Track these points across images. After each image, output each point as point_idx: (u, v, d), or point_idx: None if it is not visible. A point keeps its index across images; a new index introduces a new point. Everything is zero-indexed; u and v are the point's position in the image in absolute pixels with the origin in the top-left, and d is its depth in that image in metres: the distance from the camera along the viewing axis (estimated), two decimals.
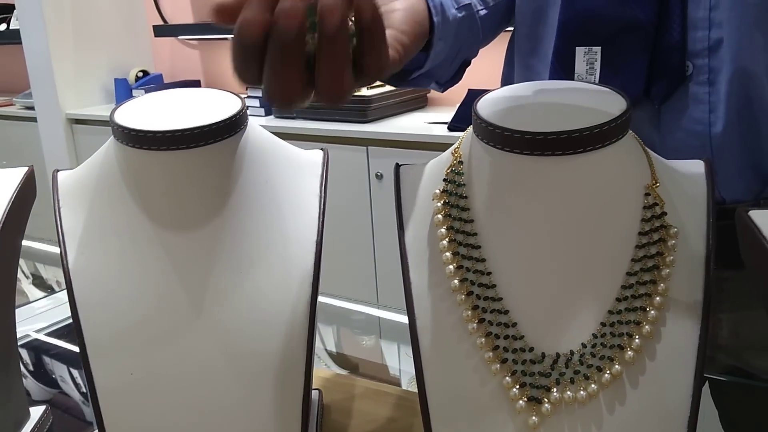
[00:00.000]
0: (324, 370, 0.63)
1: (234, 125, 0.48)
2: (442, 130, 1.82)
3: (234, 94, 0.51)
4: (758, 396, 0.60)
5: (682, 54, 0.51)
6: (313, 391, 0.58)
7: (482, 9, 0.62)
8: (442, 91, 0.65)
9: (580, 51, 0.49)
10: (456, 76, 0.65)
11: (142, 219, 0.47)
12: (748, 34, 0.48)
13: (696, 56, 0.51)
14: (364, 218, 1.91)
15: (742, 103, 0.50)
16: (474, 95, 1.75)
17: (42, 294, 1.26)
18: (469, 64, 0.65)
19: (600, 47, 0.50)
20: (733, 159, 0.52)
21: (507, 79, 0.68)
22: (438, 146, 1.77)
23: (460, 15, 0.57)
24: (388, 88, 2.05)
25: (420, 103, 2.16)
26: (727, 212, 0.43)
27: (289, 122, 2.02)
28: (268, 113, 2.13)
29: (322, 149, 0.56)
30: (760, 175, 0.52)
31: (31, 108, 2.57)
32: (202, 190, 0.47)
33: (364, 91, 2.02)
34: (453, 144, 0.46)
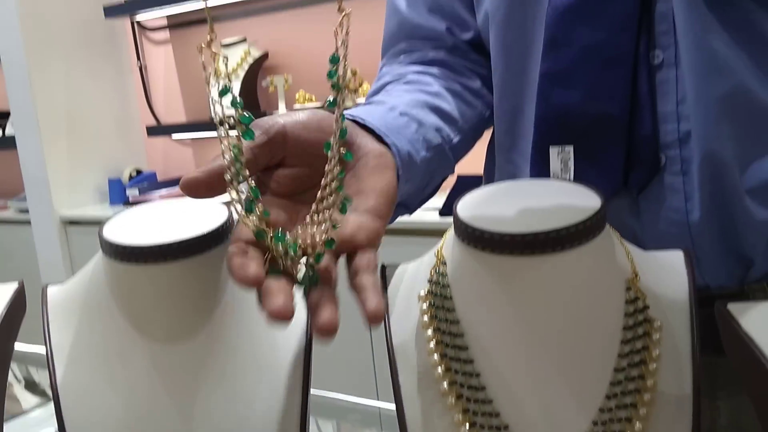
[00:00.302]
0: None
1: (220, 236, 0.48)
2: (434, 216, 1.84)
3: (222, 203, 0.52)
4: None
5: (654, 146, 0.53)
6: None
7: (455, 137, 0.62)
8: (410, 213, 0.65)
9: (553, 150, 0.51)
10: (428, 198, 0.65)
11: (130, 333, 0.47)
12: (715, 126, 0.50)
13: (668, 148, 0.53)
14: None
15: (715, 191, 0.51)
16: (464, 181, 1.78)
17: (35, 400, 1.24)
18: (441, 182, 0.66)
19: (572, 146, 0.51)
20: (713, 245, 0.52)
21: (489, 174, 0.70)
22: (430, 232, 1.79)
23: (429, 155, 0.58)
24: None
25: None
26: (713, 299, 0.44)
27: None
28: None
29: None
30: (742, 261, 0.53)
31: (25, 211, 2.59)
32: (190, 301, 0.47)
33: None
34: (445, 229, 0.47)
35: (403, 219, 2.16)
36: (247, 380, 0.47)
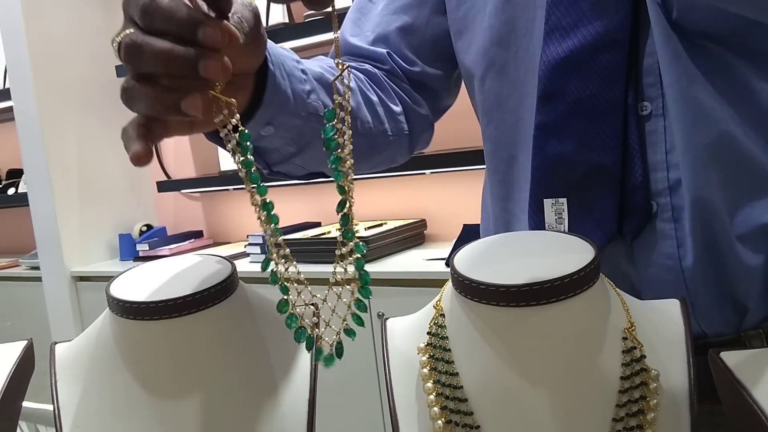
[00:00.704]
0: None
1: (225, 290, 0.49)
2: (441, 267, 1.85)
3: (226, 259, 0.54)
4: None
5: (646, 194, 0.54)
6: None
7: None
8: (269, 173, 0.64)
9: (547, 203, 0.52)
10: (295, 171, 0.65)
11: (137, 389, 0.47)
12: (703, 173, 0.51)
13: (659, 195, 0.54)
14: (368, 360, 1.89)
15: (707, 238, 0.52)
16: (470, 230, 1.79)
17: None
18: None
19: (566, 198, 0.53)
20: (708, 291, 0.53)
21: (485, 225, 0.71)
22: (437, 282, 1.79)
23: (306, 119, 0.59)
24: (386, 227, 2.10)
25: (417, 241, 2.20)
26: (710, 346, 0.44)
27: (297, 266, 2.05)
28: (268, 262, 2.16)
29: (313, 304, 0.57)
30: (737, 307, 0.54)
31: (36, 268, 2.61)
32: (196, 356, 0.48)
33: (362, 232, 2.06)
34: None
35: (411, 270, 2.15)
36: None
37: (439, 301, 0.47)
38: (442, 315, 0.45)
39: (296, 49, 2.59)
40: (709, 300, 0.52)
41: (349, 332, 0.45)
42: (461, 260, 0.45)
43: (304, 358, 0.52)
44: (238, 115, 0.44)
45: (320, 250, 2.07)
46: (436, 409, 0.43)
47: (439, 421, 0.42)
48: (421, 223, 2.21)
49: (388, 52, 0.73)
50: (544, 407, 0.41)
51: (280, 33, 2.21)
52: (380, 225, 2.13)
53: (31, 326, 2.64)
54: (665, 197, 0.53)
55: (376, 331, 1.92)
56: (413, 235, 2.18)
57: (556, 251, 0.44)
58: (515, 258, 0.44)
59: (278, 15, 2.26)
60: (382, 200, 2.31)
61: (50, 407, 0.48)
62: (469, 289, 0.43)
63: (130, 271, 0.53)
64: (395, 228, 2.11)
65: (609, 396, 0.41)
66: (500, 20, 0.62)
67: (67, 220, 2.50)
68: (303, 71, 0.59)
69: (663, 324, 0.44)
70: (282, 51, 0.58)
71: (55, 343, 0.54)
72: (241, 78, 0.52)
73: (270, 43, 0.54)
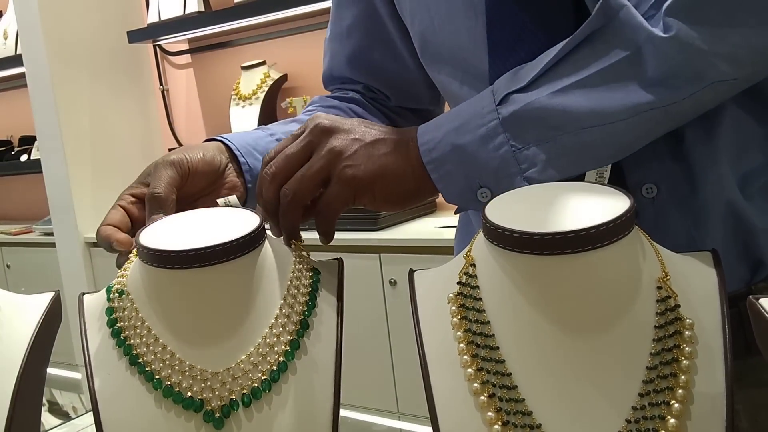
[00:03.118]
0: None
1: (253, 241, 0.49)
2: (452, 234, 1.84)
3: (251, 210, 0.53)
4: None
5: None
6: None
7: None
8: None
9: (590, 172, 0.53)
10: None
11: (166, 337, 0.48)
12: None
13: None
14: (380, 326, 1.90)
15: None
16: None
17: (57, 422, 1.24)
18: None
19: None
20: (724, 250, 0.53)
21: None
22: (449, 249, 1.78)
23: None
24: None
25: (429, 209, 2.19)
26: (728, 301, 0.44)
27: (304, 234, 2.06)
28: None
29: (337, 259, 0.57)
30: (751, 264, 0.54)
31: (50, 234, 2.63)
32: (224, 306, 0.48)
33: None
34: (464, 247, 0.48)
35: (424, 237, 2.17)
36: (280, 385, 0.47)
37: (470, 251, 0.46)
38: (473, 265, 0.45)
39: (220, 34, 2.61)
40: (725, 257, 0.52)
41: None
42: (493, 209, 0.45)
43: (330, 310, 0.52)
44: None
45: None
46: (467, 357, 0.43)
47: (470, 369, 0.42)
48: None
49: (364, 85, 0.77)
50: (577, 356, 0.41)
51: (197, 20, 2.37)
52: None
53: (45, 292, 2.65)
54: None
55: (388, 299, 1.93)
56: (425, 203, 2.18)
57: (590, 201, 0.43)
58: (549, 207, 0.43)
59: (194, 4, 2.38)
60: None
61: (66, 373, 0.48)
62: (502, 237, 0.42)
63: (160, 221, 0.53)
64: None
65: (643, 345, 0.40)
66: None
67: (80, 185, 2.51)
68: (278, 139, 0.68)
69: (697, 275, 0.44)
70: (257, 133, 0.68)
71: (83, 293, 0.54)
72: (227, 183, 0.63)
73: (241, 135, 0.66)
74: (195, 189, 0.62)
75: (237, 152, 0.65)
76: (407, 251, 1.86)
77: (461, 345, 0.43)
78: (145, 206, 0.57)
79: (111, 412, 0.47)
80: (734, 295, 0.50)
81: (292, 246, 0.54)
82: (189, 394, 0.46)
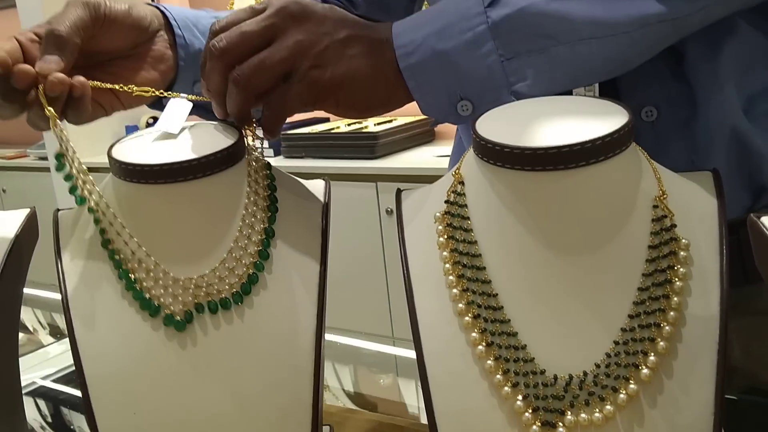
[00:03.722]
0: (336, 405, 0.62)
1: (232, 156, 0.47)
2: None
3: (233, 125, 0.51)
4: None
5: None
6: (324, 427, 0.57)
7: None
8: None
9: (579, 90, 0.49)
10: None
11: (141, 255, 0.46)
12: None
13: None
14: (376, 254, 1.90)
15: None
16: None
17: (53, 340, 1.25)
18: None
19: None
20: (727, 176, 0.51)
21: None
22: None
23: None
24: (396, 123, 2.06)
25: (428, 138, 2.16)
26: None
27: (297, 161, 2.03)
28: (277, 153, 2.14)
29: (324, 179, 0.55)
30: (754, 190, 0.52)
31: (45, 158, 2.60)
32: (203, 223, 0.46)
33: (372, 128, 2.03)
34: None
35: (421, 166, 2.14)
36: (262, 302, 0.46)
37: (459, 168, 0.44)
38: (462, 183, 0.43)
39: None
40: (727, 183, 0.50)
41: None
42: (484, 124, 0.42)
43: (313, 232, 0.50)
44: None
45: (329, 145, 2.04)
46: (452, 277, 0.41)
47: (456, 290, 0.41)
48: (430, 121, 2.17)
49: None
50: (567, 276, 0.39)
51: None
52: (390, 121, 2.09)
53: (39, 217, 2.65)
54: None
55: (385, 228, 1.92)
56: (423, 132, 2.14)
57: (586, 115, 0.41)
58: (542, 121, 0.41)
59: None
60: None
61: (49, 294, 0.47)
62: (492, 153, 0.40)
63: (134, 134, 0.51)
64: (405, 124, 2.07)
65: (636, 265, 0.39)
66: None
67: None
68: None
69: (695, 195, 0.42)
70: (201, 13, 0.61)
71: (59, 210, 0.52)
72: (154, 53, 0.57)
73: (183, 9, 0.59)
74: (111, 45, 0.54)
75: (173, 22, 0.58)
76: (404, 180, 1.83)
77: (447, 265, 0.41)
78: None
79: (86, 330, 0.46)
80: (734, 221, 0.48)
81: (244, 131, 0.50)
82: (147, 296, 0.45)
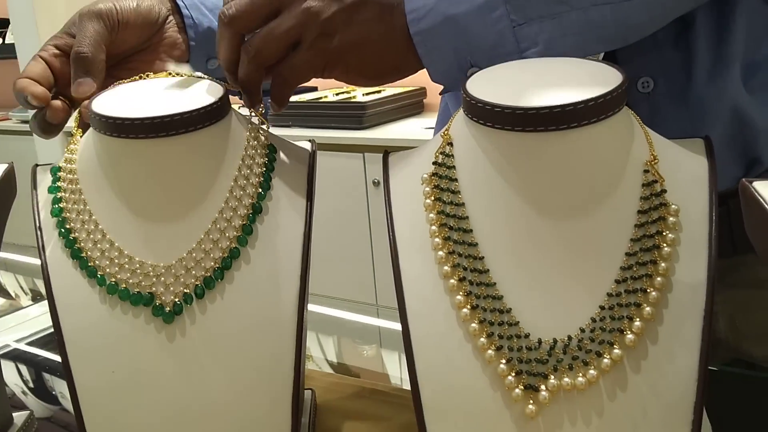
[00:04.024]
0: (318, 371, 0.61)
1: (217, 112, 0.46)
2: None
3: (218, 81, 0.50)
4: (756, 386, 0.58)
5: None
6: (306, 391, 0.56)
7: None
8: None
9: None
10: None
11: (123, 211, 0.45)
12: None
13: None
14: (362, 225, 1.89)
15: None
16: None
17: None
18: None
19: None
20: (723, 149, 0.50)
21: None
22: None
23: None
24: (384, 94, 2.04)
25: (416, 109, 2.15)
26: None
27: (285, 130, 2.01)
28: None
29: (310, 140, 0.54)
30: (747, 162, 0.51)
31: (27, 121, 2.55)
32: (185, 180, 0.45)
33: (360, 98, 2.01)
34: None
35: (409, 137, 2.13)
36: (244, 263, 0.45)
37: (448, 129, 0.43)
38: (450, 144, 0.42)
39: None
40: (721, 155, 0.50)
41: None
42: (475, 83, 0.41)
43: (291, 195, 0.49)
44: None
45: (317, 114, 2.02)
46: (438, 239, 0.40)
47: (442, 252, 0.40)
48: (421, 92, 2.15)
49: None
50: (555, 238, 0.38)
51: None
52: (378, 91, 2.07)
53: (21, 180, 2.62)
54: None
55: (371, 199, 1.91)
56: (412, 104, 2.12)
57: (580, 76, 0.40)
58: (534, 82, 0.40)
59: None
60: None
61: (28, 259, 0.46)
62: (483, 112, 0.39)
63: (115, 88, 0.50)
64: (394, 95, 2.05)
65: (624, 230, 0.38)
66: None
67: None
68: None
69: (687, 161, 0.41)
70: None
71: (37, 165, 0.51)
72: (167, 41, 0.57)
73: None
74: (127, 45, 0.55)
75: (180, 3, 0.58)
76: (393, 151, 1.82)
77: (433, 227, 0.41)
78: (69, 59, 0.51)
79: (63, 285, 0.45)
80: (725, 192, 0.47)
81: (252, 113, 0.50)
82: (137, 290, 0.43)
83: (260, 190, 0.47)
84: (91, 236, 0.45)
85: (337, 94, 2.12)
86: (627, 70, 0.50)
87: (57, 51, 0.53)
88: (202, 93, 0.47)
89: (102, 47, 0.51)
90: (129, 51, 0.56)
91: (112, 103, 0.47)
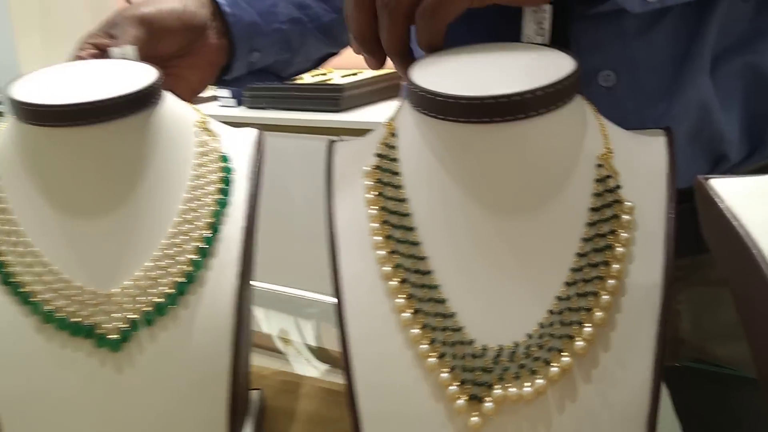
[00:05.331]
0: (270, 369, 0.59)
1: (146, 98, 0.43)
2: None
3: (154, 66, 0.46)
4: (721, 384, 0.56)
5: None
6: (254, 392, 0.54)
7: (326, 15, 0.63)
8: (282, 81, 0.67)
9: (528, 10, 0.45)
10: (306, 69, 0.67)
11: (43, 205, 0.42)
12: None
13: None
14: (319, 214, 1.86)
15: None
16: None
17: None
18: (335, 54, 0.67)
19: (551, 5, 0.45)
20: (688, 144, 0.48)
21: None
22: None
23: (284, 27, 0.60)
24: (361, 76, 2.00)
25: (394, 92, 2.10)
26: (678, 196, 0.39)
27: (260, 112, 1.97)
28: (239, 104, 2.07)
29: (257, 127, 0.51)
30: (715, 158, 0.49)
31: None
32: (110, 172, 0.42)
33: (337, 79, 1.97)
34: None
35: (383, 120, 2.05)
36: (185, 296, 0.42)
37: (393, 119, 0.40)
38: (394, 134, 0.39)
39: None
40: (686, 151, 0.47)
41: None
42: (419, 71, 0.38)
43: (242, 185, 0.46)
44: None
45: (293, 96, 1.98)
46: (380, 238, 0.38)
47: (382, 251, 0.37)
48: (399, 74, 2.11)
49: None
50: (502, 240, 0.36)
51: None
52: (355, 74, 2.03)
53: None
54: None
55: None
56: (389, 86, 2.08)
57: (530, 63, 0.37)
58: (481, 70, 0.37)
59: None
60: None
61: None
62: (426, 102, 0.36)
63: (40, 71, 0.46)
64: (371, 78, 2.01)
65: (575, 228, 0.36)
66: None
67: (29, 53, 2.36)
68: None
69: (644, 155, 0.39)
70: None
71: None
72: (208, 47, 0.55)
73: None
74: (168, 51, 0.52)
75: (221, 0, 0.55)
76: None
77: (374, 224, 0.38)
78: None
79: None
80: (689, 189, 0.45)
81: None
82: (78, 318, 0.40)
83: (217, 207, 0.43)
84: (18, 248, 0.41)
85: (313, 76, 2.08)
86: (588, 63, 0.47)
87: (95, 50, 0.50)
88: (134, 77, 0.44)
89: (138, 53, 0.49)
90: (170, 56, 0.54)
91: (36, 88, 0.43)
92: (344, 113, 1.89)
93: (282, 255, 1.73)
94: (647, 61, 0.47)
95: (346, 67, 2.17)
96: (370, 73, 2.04)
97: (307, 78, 2.07)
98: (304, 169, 1.85)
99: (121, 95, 0.41)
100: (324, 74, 2.07)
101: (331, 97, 1.91)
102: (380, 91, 2.04)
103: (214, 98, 2.12)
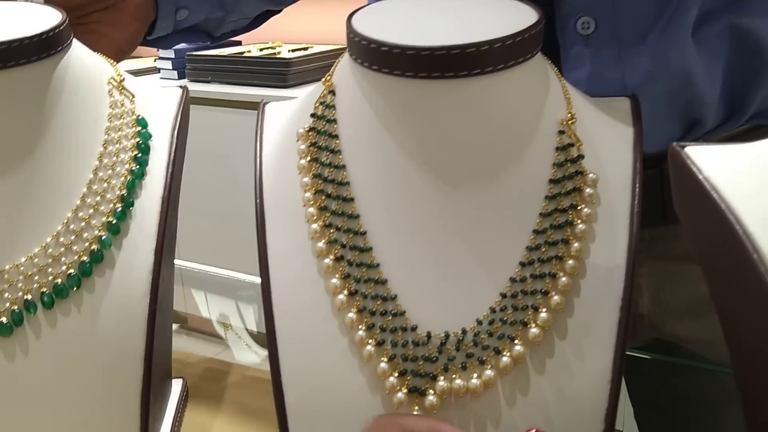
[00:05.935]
0: (196, 356, 0.54)
1: (48, 44, 0.37)
2: None
3: (57, 10, 0.40)
4: (681, 374, 0.53)
5: None
6: (176, 380, 0.49)
7: None
8: (212, 42, 0.64)
9: None
10: (243, 30, 0.64)
11: None
12: None
13: None
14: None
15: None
16: None
17: None
18: (276, 12, 0.64)
19: None
20: (661, 109, 0.44)
21: None
22: None
23: None
24: (310, 51, 1.94)
25: None
26: (644, 162, 0.36)
27: (204, 86, 1.89)
28: (181, 76, 1.99)
29: (181, 87, 0.46)
30: (688, 124, 0.46)
31: None
32: (7, 127, 0.36)
33: (285, 54, 1.90)
34: None
35: None
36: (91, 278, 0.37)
37: (331, 75, 0.36)
38: (332, 92, 0.35)
39: None
40: (660, 113, 0.44)
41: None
42: (363, 18, 0.34)
43: (162, 147, 0.41)
44: None
45: (238, 70, 1.90)
46: (313, 209, 0.33)
47: (316, 225, 0.33)
48: None
49: None
50: (452, 210, 0.32)
51: None
52: (305, 49, 1.96)
53: None
54: None
55: None
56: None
57: (488, 12, 0.33)
58: (435, 18, 0.33)
59: None
60: (309, 22, 2.12)
61: None
62: (369, 53, 0.32)
63: None
64: (321, 53, 1.95)
65: (533, 202, 0.32)
66: None
67: None
68: None
69: (609, 123, 0.35)
70: None
71: None
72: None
73: None
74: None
75: None
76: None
77: (307, 194, 0.33)
78: None
79: None
80: (658, 154, 0.41)
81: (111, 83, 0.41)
82: None
83: (130, 177, 0.38)
84: None
85: (261, 50, 2.01)
86: (565, 8, 0.43)
87: None
88: (34, 21, 0.38)
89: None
90: (87, 6, 0.50)
91: None
92: (292, 89, 1.83)
93: (226, 236, 1.67)
94: (630, 8, 0.44)
95: (295, 41, 2.10)
96: (319, 48, 1.98)
97: (254, 51, 2.00)
98: (249, 146, 1.78)
99: (17, 38, 0.35)
100: (272, 48, 2.00)
101: (279, 72, 1.84)
102: (329, 67, 1.98)
103: (156, 70, 2.03)
